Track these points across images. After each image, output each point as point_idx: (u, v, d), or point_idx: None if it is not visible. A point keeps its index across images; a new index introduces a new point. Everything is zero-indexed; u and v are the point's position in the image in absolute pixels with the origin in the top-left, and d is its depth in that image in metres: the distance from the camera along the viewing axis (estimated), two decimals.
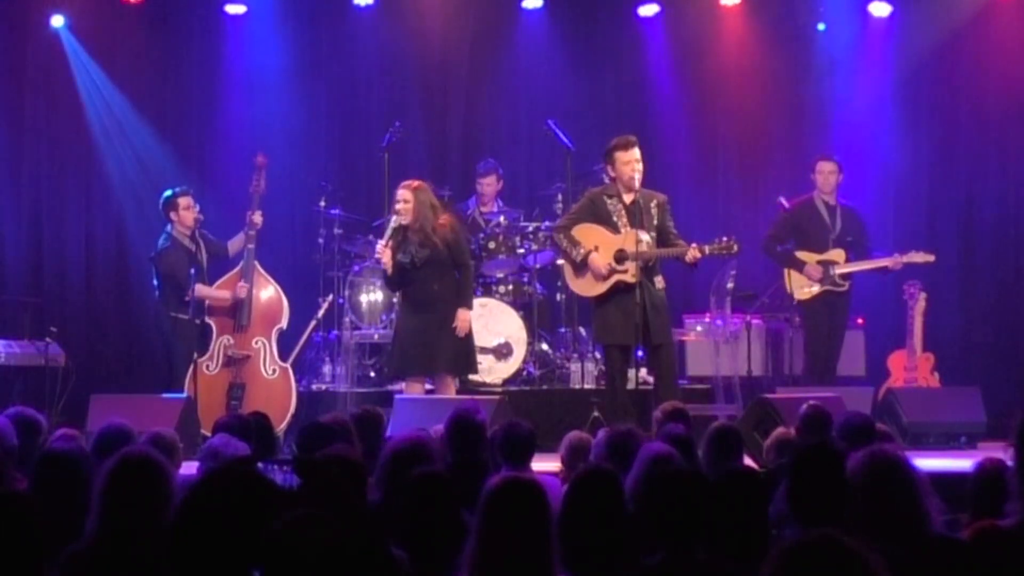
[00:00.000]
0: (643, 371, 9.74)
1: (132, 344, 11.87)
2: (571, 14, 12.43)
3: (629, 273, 9.01)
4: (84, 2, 12.02)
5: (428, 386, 9.49)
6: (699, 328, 11.24)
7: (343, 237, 11.10)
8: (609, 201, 9.17)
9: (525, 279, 11.01)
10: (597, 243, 9.13)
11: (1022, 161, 11.95)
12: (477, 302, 10.49)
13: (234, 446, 5.72)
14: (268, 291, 10.51)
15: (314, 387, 10.82)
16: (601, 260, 9.09)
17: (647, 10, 12.17)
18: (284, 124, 12.11)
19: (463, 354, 9.34)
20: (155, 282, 10.40)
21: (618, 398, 9.13)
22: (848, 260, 10.64)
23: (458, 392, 9.39)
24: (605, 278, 9.09)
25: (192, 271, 10.01)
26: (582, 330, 10.79)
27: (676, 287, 9.83)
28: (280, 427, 9.41)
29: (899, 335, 10.99)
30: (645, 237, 9.00)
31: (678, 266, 9.23)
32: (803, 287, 10.64)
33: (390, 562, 3.86)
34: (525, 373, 10.68)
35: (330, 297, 10.94)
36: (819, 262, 10.63)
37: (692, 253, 8.94)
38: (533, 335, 10.70)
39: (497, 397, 9.16)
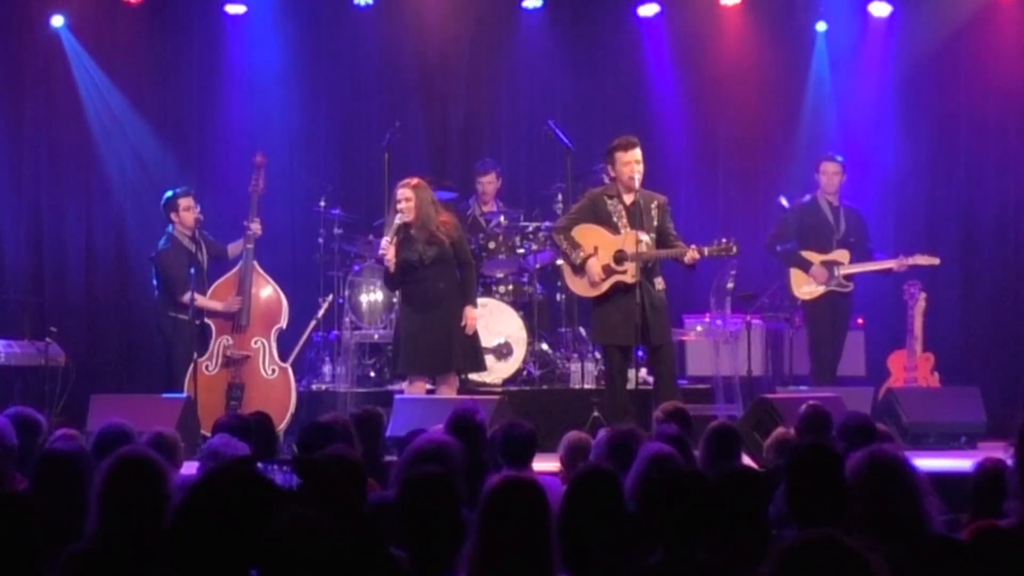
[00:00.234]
0: (643, 371, 9.75)
1: (132, 344, 11.87)
2: (571, 14, 12.42)
3: (628, 274, 9.01)
4: (84, 2, 12.02)
5: (428, 386, 9.50)
6: (699, 328, 11.24)
7: (343, 237, 11.10)
8: (609, 202, 9.17)
9: (525, 279, 11.01)
10: (597, 244, 9.13)
11: (1022, 161, 11.95)
12: (478, 301, 10.51)
13: (234, 446, 5.73)
14: (267, 291, 10.51)
15: (314, 387, 10.82)
16: (597, 266, 9.09)
17: (647, 10, 12.16)
18: (284, 124, 12.11)
19: (473, 352, 9.45)
20: (155, 282, 10.41)
21: (618, 398, 9.13)
22: (853, 261, 10.64)
23: (458, 392, 9.40)
24: (599, 284, 9.09)
25: (192, 271, 10.01)
26: (582, 330, 10.78)
27: (676, 287, 9.82)
28: (280, 427, 9.41)
29: (899, 335, 10.98)
30: (645, 238, 9.00)
31: (678, 267, 9.23)
32: (807, 287, 10.63)
33: (390, 562, 3.86)
34: (525, 373, 10.68)
35: (330, 297, 10.94)
36: (824, 262, 10.63)
37: (691, 254, 8.94)
38: (533, 335, 10.70)
39: (497, 397, 9.17)
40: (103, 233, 12.04)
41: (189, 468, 6.11)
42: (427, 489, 4.30)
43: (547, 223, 10.72)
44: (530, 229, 10.90)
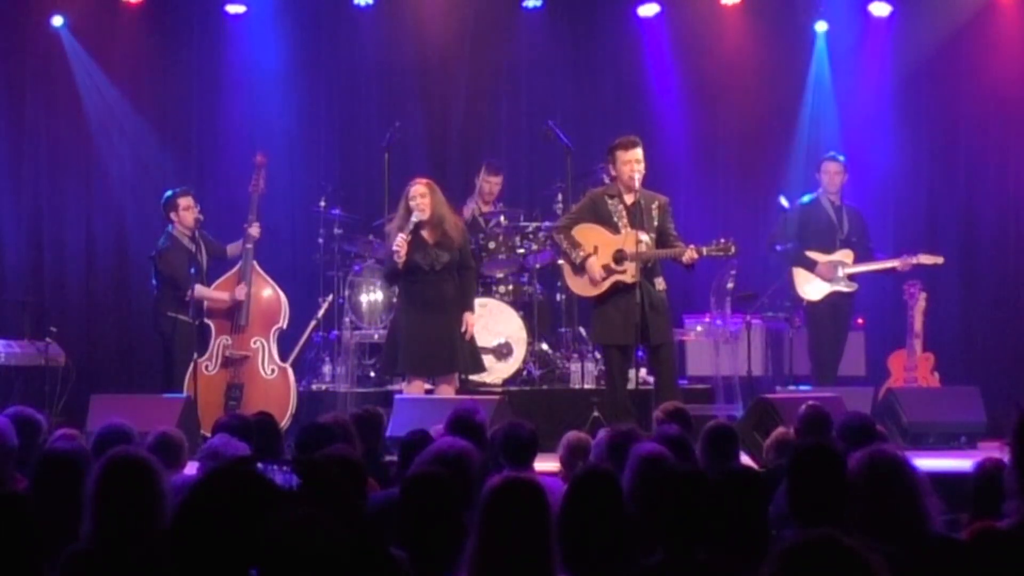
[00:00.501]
0: (643, 371, 9.75)
1: (132, 344, 11.87)
2: (571, 14, 12.42)
3: (628, 274, 9.01)
4: (84, 2, 12.02)
5: (427, 386, 9.50)
6: (699, 328, 11.24)
7: (343, 237, 11.10)
8: (610, 201, 9.17)
9: (525, 279, 11.01)
10: (597, 243, 9.13)
11: (1022, 161, 11.95)
12: (477, 302, 10.51)
13: (234, 446, 5.72)
14: (267, 291, 10.51)
15: (314, 387, 10.82)
16: (597, 265, 9.09)
17: (647, 10, 12.16)
18: (284, 124, 12.11)
19: (475, 354, 9.59)
20: (154, 282, 10.42)
21: (618, 398, 9.13)
22: (856, 260, 10.64)
23: (458, 392, 9.40)
24: (599, 284, 9.09)
25: (192, 271, 10.02)
26: (582, 330, 10.78)
27: (676, 287, 9.82)
28: (279, 426, 9.40)
29: (899, 335, 10.98)
30: (645, 238, 9.00)
31: (678, 266, 9.23)
32: (812, 287, 10.63)
33: (390, 562, 3.86)
34: (525, 373, 10.68)
35: (330, 297, 10.94)
36: (829, 263, 10.63)
37: (689, 254, 8.94)
38: (533, 335, 10.70)
39: (497, 397, 9.18)
40: (103, 233, 12.04)
41: (189, 468, 6.10)
42: (427, 489, 4.30)
43: (547, 223, 10.72)
44: (530, 229, 10.90)
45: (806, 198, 10.89)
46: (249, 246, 10.41)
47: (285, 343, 10.62)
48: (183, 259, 10.16)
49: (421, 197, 9.20)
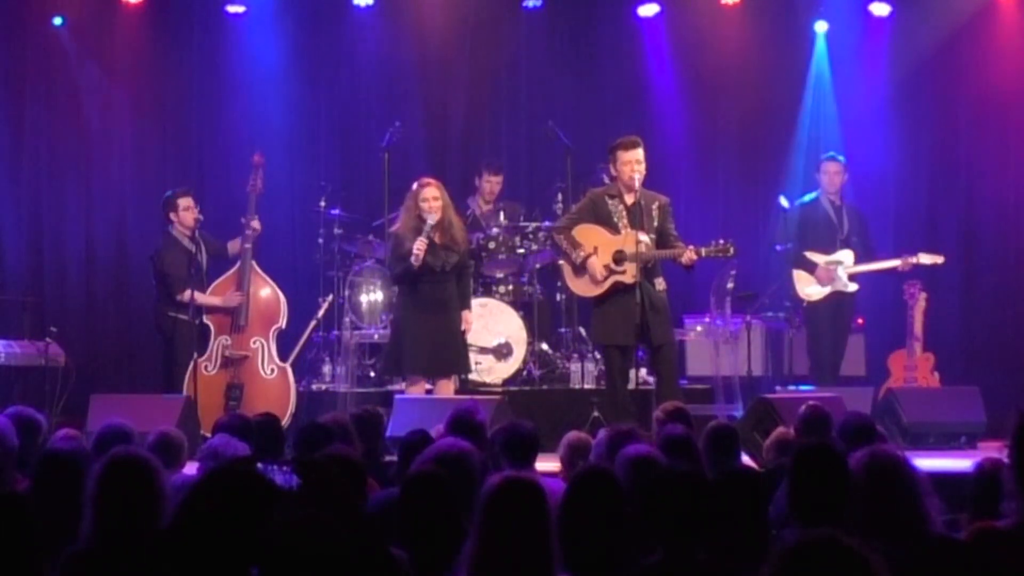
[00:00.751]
0: (643, 371, 9.75)
1: (132, 344, 11.86)
2: (571, 14, 12.41)
3: (628, 274, 9.01)
4: (84, 2, 12.02)
5: (427, 386, 9.51)
6: (699, 328, 11.24)
7: (343, 237, 11.10)
8: (610, 202, 9.17)
9: (525, 279, 11.01)
10: (597, 244, 9.14)
11: (1022, 161, 11.95)
12: (477, 302, 10.52)
13: (234, 446, 5.73)
14: (266, 291, 10.52)
15: (314, 387, 10.82)
16: (599, 264, 9.09)
17: (647, 10, 12.16)
18: (284, 124, 12.10)
19: (467, 354, 9.65)
20: (154, 282, 10.42)
21: (618, 398, 9.13)
22: (856, 261, 10.64)
23: (458, 392, 9.41)
24: (600, 283, 9.09)
25: (191, 272, 10.02)
26: (582, 330, 10.78)
27: (676, 287, 9.82)
28: (282, 427, 9.40)
29: (899, 335, 10.98)
30: (644, 238, 9.00)
31: (678, 266, 9.24)
32: (812, 288, 10.62)
33: (390, 562, 3.86)
34: (525, 373, 10.68)
35: (330, 297, 10.94)
36: (828, 263, 10.63)
37: (688, 255, 8.94)
38: (533, 335, 10.70)
39: (497, 397, 9.18)
40: (103, 233, 12.04)
41: (189, 468, 6.10)
42: (427, 489, 4.30)
43: (547, 223, 10.72)
44: (530, 229, 10.90)
45: (806, 198, 10.90)
46: (248, 246, 10.41)
47: (285, 343, 10.62)
48: (182, 260, 10.16)
49: (434, 200, 9.21)
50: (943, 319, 11.51)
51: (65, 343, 10.78)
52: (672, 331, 9.54)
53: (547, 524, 3.75)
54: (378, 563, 3.78)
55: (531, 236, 10.88)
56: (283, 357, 10.48)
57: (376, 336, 10.92)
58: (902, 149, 12.13)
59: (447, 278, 9.29)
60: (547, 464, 6.67)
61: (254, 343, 10.40)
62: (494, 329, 10.51)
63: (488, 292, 10.86)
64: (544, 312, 11.07)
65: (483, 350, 10.40)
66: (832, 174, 10.76)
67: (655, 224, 9.13)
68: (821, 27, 12.08)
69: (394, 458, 6.54)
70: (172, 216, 10.36)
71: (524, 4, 12.24)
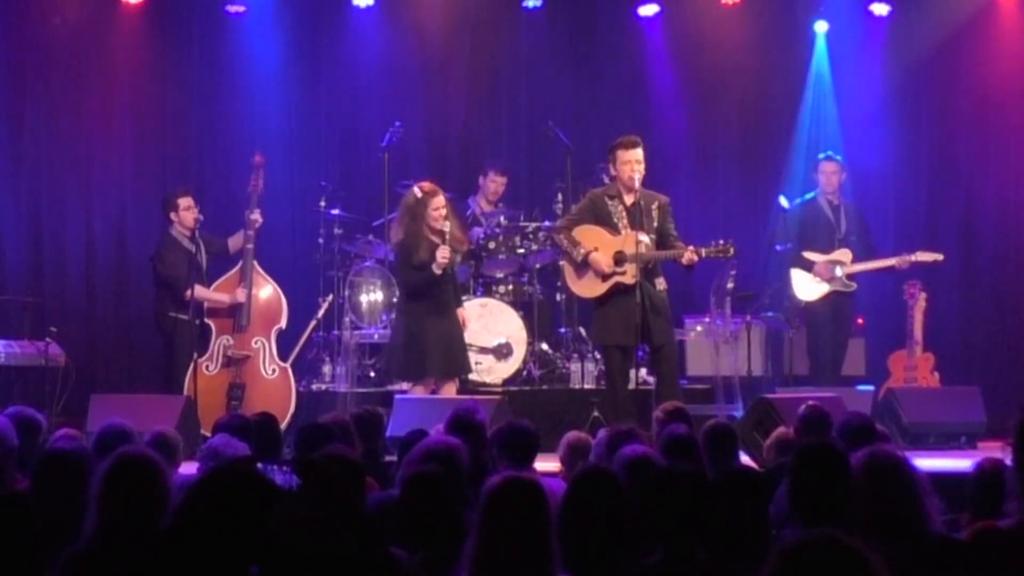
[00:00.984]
0: (643, 371, 9.75)
1: (132, 344, 11.86)
2: (571, 14, 12.41)
3: (628, 275, 9.02)
4: (84, 2, 12.01)
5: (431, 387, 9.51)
6: (699, 328, 11.24)
7: (343, 237, 11.10)
8: (610, 202, 9.18)
9: (525, 279, 11.01)
10: (597, 244, 9.14)
11: (1022, 161, 11.95)
12: (477, 302, 10.53)
13: (234, 446, 5.73)
14: (267, 291, 10.52)
15: (314, 387, 10.82)
16: (603, 258, 9.10)
17: (647, 10, 12.16)
18: (284, 124, 12.10)
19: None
20: (155, 282, 10.42)
21: (618, 398, 9.13)
22: (855, 260, 10.64)
23: (458, 392, 9.41)
24: (608, 276, 9.10)
25: (191, 272, 10.02)
26: (582, 330, 10.79)
27: (676, 287, 9.83)
28: (281, 427, 9.41)
29: (899, 335, 10.98)
30: (644, 239, 9.00)
31: (678, 267, 9.24)
32: (810, 288, 10.62)
33: (390, 562, 3.86)
34: (525, 373, 10.68)
35: (330, 297, 10.94)
36: (826, 262, 10.63)
37: (688, 256, 8.95)
38: (533, 335, 10.70)
39: (497, 397, 9.18)
40: (103, 233, 12.03)
41: (189, 468, 6.11)
42: (427, 489, 4.30)
43: (547, 223, 10.72)
44: (530, 229, 10.90)
45: (804, 198, 10.90)
46: (250, 246, 10.40)
47: (285, 343, 10.62)
48: (182, 260, 10.16)
49: (443, 207, 9.23)
50: (943, 319, 11.51)
51: (65, 343, 10.77)
52: (673, 331, 9.54)
53: (547, 524, 3.75)
54: (378, 563, 3.78)
55: (531, 236, 10.88)
56: (283, 357, 10.48)
57: (376, 336, 10.91)
58: (902, 149, 12.13)
59: (448, 279, 9.33)
60: (547, 464, 6.67)
61: (256, 343, 10.40)
62: (494, 329, 10.51)
63: (488, 292, 10.86)
64: (544, 312, 11.07)
65: (483, 350, 10.39)
66: (829, 174, 10.77)
67: (655, 224, 9.14)
68: (821, 27, 12.08)
69: (394, 458, 6.54)
70: (173, 216, 10.36)
71: (524, 4, 12.24)
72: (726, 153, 12.41)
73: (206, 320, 10.32)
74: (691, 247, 8.99)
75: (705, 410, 9.45)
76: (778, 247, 10.78)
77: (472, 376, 10.14)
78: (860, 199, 11.18)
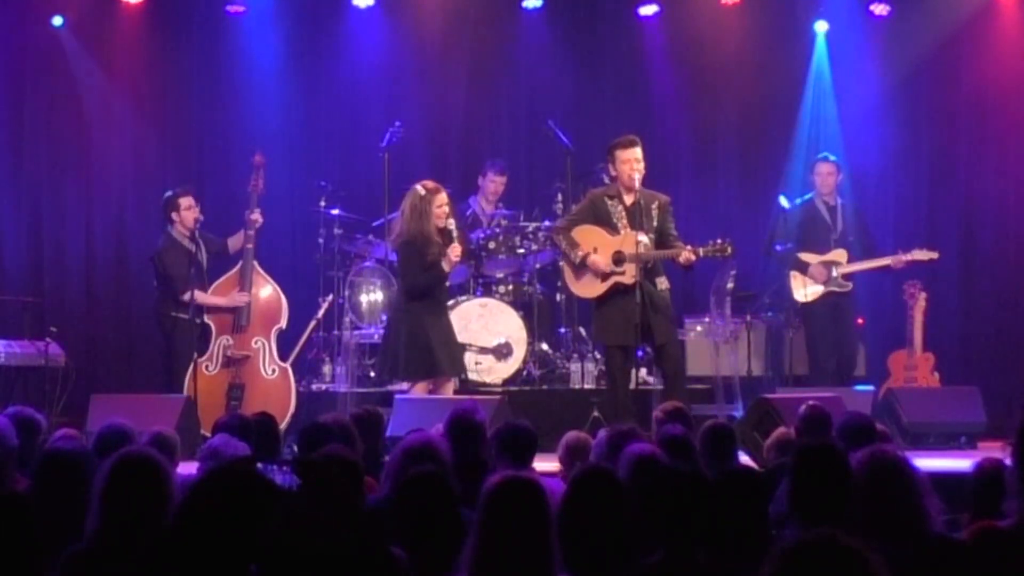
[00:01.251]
0: (643, 371, 9.75)
1: (132, 344, 11.87)
2: (571, 14, 12.42)
3: (627, 275, 9.02)
4: (84, 2, 12.01)
5: (429, 386, 9.51)
6: (699, 328, 11.24)
7: (343, 237, 11.09)
8: (610, 202, 9.18)
9: (525, 279, 11.01)
10: (596, 245, 9.15)
11: (1022, 161, 11.95)
12: (477, 302, 10.54)
13: (234, 446, 5.73)
14: (267, 291, 10.52)
15: (314, 387, 10.82)
16: (601, 258, 9.11)
17: (647, 10, 12.15)
18: (284, 124, 12.10)
19: None
20: (155, 282, 10.42)
21: (618, 398, 9.13)
22: (851, 260, 10.64)
23: (458, 392, 9.41)
24: (607, 277, 9.10)
25: (192, 272, 10.02)
26: (582, 330, 10.79)
27: (676, 287, 9.83)
28: (280, 427, 9.40)
29: (899, 335, 10.98)
30: (644, 239, 9.00)
31: (677, 266, 9.24)
32: (806, 290, 10.62)
33: (390, 562, 3.86)
34: (525, 373, 10.68)
35: (330, 297, 10.94)
36: (822, 263, 10.63)
37: (686, 255, 8.95)
38: (533, 335, 10.70)
39: (497, 397, 9.18)
40: (103, 233, 12.03)
41: (189, 468, 6.10)
42: (425, 488, 4.30)
43: (547, 223, 10.72)
44: (530, 229, 10.90)
45: (803, 199, 10.90)
46: (250, 246, 10.41)
47: (285, 343, 10.62)
48: (183, 260, 10.16)
49: (447, 205, 9.21)
50: (943, 319, 11.51)
51: (65, 343, 10.78)
52: (675, 330, 9.55)
53: (547, 524, 3.75)
54: (378, 563, 3.78)
55: (531, 236, 10.88)
56: (283, 357, 10.48)
57: (376, 336, 10.90)
58: (901, 149, 12.13)
59: (445, 280, 9.37)
60: (547, 464, 6.67)
61: (256, 343, 10.40)
62: (494, 329, 10.51)
63: (488, 292, 10.86)
64: (544, 312, 11.07)
65: (483, 350, 10.40)
66: (824, 175, 10.79)
67: (655, 224, 9.14)
68: (821, 27, 12.07)
69: None
70: (174, 216, 10.36)
71: (524, 4, 12.24)
72: (726, 153, 12.41)
73: (206, 320, 10.32)
74: (689, 246, 9.00)
75: (705, 410, 9.46)
76: (778, 247, 10.78)
77: (472, 376, 10.14)
78: (859, 199, 11.18)
